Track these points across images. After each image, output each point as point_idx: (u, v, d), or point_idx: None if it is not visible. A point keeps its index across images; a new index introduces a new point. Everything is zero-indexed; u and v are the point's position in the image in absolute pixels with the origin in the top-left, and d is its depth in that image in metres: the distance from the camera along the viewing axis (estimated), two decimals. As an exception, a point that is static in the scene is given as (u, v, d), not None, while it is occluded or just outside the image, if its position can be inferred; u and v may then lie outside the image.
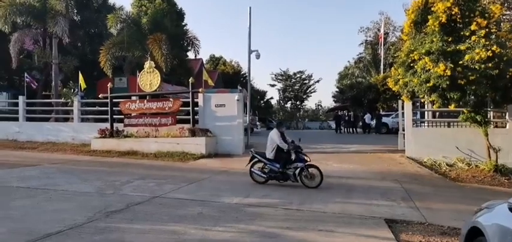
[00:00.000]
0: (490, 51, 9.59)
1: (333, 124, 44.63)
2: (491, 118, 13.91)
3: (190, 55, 29.45)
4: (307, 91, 56.79)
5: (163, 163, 13.25)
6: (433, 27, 10.61)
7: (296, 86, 56.05)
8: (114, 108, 16.43)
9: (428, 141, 13.99)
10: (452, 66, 9.92)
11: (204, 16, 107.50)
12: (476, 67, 9.74)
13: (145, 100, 16.07)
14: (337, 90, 52.21)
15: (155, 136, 15.43)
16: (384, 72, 35.02)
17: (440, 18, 10.40)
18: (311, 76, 55.95)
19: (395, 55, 19.47)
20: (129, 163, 13.12)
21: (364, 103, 33.88)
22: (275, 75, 56.62)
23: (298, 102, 58.21)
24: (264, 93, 57.86)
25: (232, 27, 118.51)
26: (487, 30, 10.09)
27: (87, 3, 25.33)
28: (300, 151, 9.12)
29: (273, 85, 57.89)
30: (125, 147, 15.18)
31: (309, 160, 9.06)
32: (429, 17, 10.75)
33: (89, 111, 19.92)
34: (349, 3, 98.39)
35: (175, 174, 10.79)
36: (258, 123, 35.46)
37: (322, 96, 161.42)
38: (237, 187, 9.12)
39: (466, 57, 9.86)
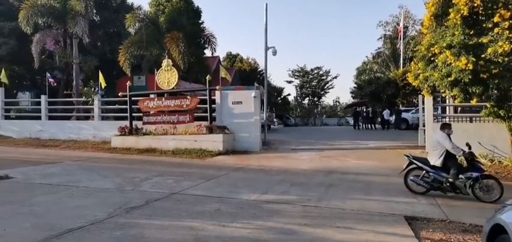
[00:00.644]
0: (514, 44, 9.29)
1: (351, 121, 44.34)
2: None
3: (207, 53, 29.68)
4: (325, 87, 56.49)
5: (181, 160, 13.39)
6: (454, 20, 10.31)
7: (313, 82, 55.77)
8: (133, 106, 16.66)
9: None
10: (475, 59, 9.63)
11: (220, 13, 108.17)
12: (499, 60, 9.45)
13: (163, 98, 16.33)
14: (355, 85, 51.62)
15: (173, 134, 15.58)
16: (403, 67, 34.43)
17: (462, 11, 10.12)
18: (329, 72, 55.77)
19: (415, 49, 19.08)
20: (147, 160, 13.31)
21: (383, 99, 33.32)
22: (292, 72, 56.58)
23: (315, 99, 57.90)
24: (281, 90, 57.56)
25: (249, 24, 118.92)
26: (510, 21, 9.75)
27: (106, 4, 25.77)
28: (474, 159, 7.74)
29: (290, 82, 57.87)
30: (144, 145, 15.39)
31: (485, 169, 7.81)
32: (450, 10, 10.46)
33: (109, 109, 20.25)
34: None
35: (193, 171, 10.88)
36: (275, 119, 35.44)
37: (340, 92, 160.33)
38: (255, 183, 9.12)
39: (489, 50, 9.57)
